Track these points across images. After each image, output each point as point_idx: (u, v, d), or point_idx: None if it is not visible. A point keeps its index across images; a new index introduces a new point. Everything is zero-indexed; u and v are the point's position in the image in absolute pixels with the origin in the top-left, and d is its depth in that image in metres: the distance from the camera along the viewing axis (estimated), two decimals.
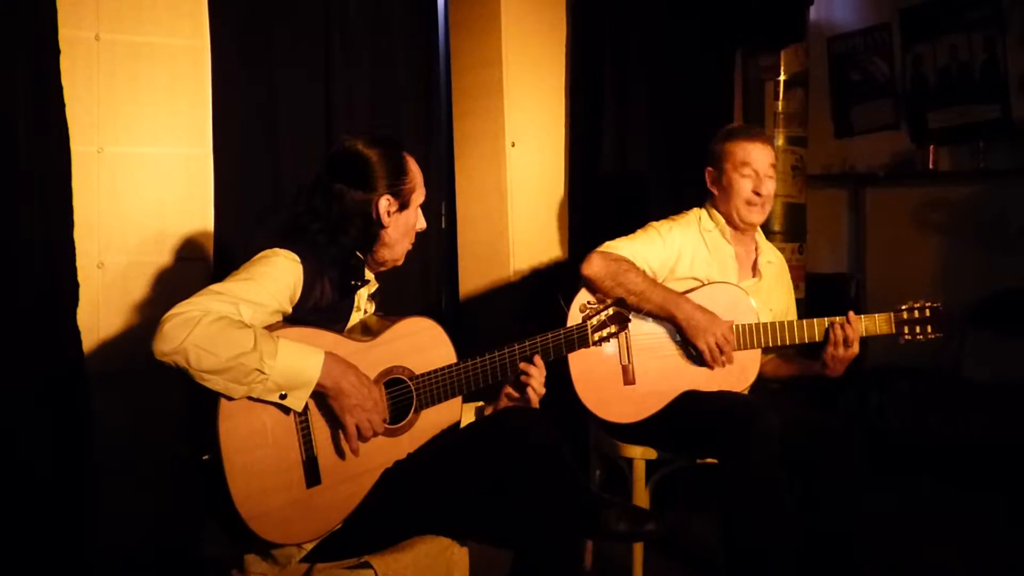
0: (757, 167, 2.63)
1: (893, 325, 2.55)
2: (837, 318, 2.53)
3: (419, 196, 2.09)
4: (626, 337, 2.53)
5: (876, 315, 2.56)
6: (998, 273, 3.96)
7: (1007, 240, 3.98)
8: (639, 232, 2.68)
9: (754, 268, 2.77)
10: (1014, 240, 3.96)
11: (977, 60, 4.06)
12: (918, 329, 2.54)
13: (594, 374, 2.54)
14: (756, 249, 2.79)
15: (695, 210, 2.78)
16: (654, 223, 2.72)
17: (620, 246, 2.59)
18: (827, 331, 2.53)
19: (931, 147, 4.16)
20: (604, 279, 2.52)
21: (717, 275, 2.66)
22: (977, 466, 3.81)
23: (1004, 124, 3.99)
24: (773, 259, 2.83)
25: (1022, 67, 3.94)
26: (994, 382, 3.94)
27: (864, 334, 2.54)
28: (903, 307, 2.55)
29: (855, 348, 2.52)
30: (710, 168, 2.72)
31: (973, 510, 3.55)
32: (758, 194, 2.63)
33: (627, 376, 2.55)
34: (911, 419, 4.15)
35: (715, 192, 2.71)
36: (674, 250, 2.64)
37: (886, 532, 3.16)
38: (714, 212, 2.74)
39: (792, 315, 2.81)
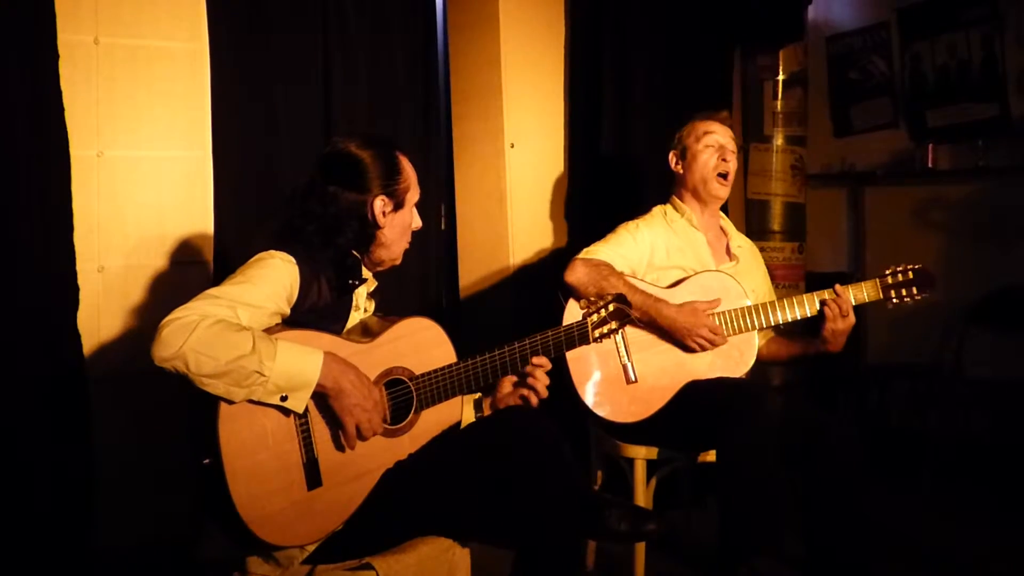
0: (718, 137, 2.72)
1: (880, 291, 2.61)
2: (826, 292, 2.59)
3: (414, 195, 2.09)
4: (623, 336, 2.54)
5: (863, 283, 2.62)
6: (997, 271, 3.96)
7: (1006, 238, 3.99)
8: (610, 236, 2.73)
9: (728, 252, 2.81)
10: (1013, 238, 3.96)
11: (975, 58, 4.06)
12: (904, 292, 2.60)
13: (595, 377, 2.56)
14: (725, 234, 2.85)
15: (657, 207, 2.83)
16: (620, 226, 2.77)
17: (599, 251, 2.64)
18: (821, 309, 2.58)
19: (930, 146, 4.16)
20: (587, 285, 2.55)
21: (694, 262, 2.71)
22: (977, 464, 3.81)
23: (1003, 122, 3.99)
24: (743, 243, 2.88)
25: (1020, 65, 3.94)
26: (994, 380, 3.94)
27: (853, 303, 2.59)
28: (887, 272, 2.61)
29: (851, 317, 2.58)
30: (673, 151, 2.79)
31: (973, 508, 3.55)
32: (724, 160, 2.71)
33: (628, 375, 2.56)
34: (911, 417, 4.15)
35: (679, 172, 2.78)
36: (646, 246, 2.69)
37: (886, 530, 3.16)
38: (678, 202, 2.80)
39: (771, 296, 2.86)
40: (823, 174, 4.55)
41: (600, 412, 2.57)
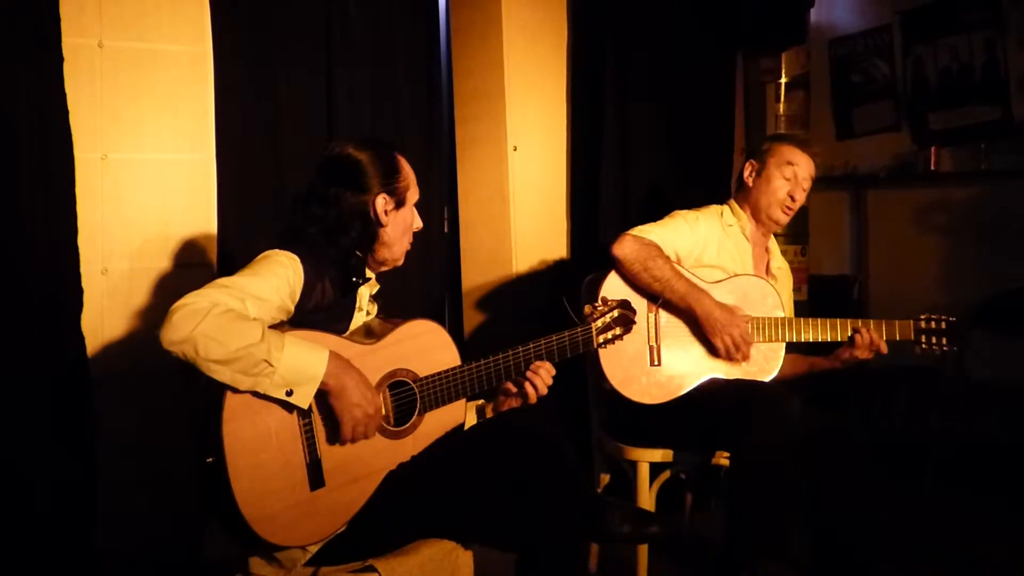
0: (798, 171, 2.70)
1: (913, 333, 2.64)
2: (860, 322, 2.61)
3: (414, 194, 2.10)
4: (655, 319, 2.57)
5: (897, 322, 2.64)
6: (1000, 274, 3.96)
7: (1009, 241, 3.98)
8: (666, 219, 2.72)
9: (768, 270, 2.82)
10: (1016, 241, 3.96)
11: (977, 61, 4.06)
12: (934, 340, 2.64)
13: (621, 351, 2.54)
14: (768, 252, 2.86)
15: (714, 206, 2.83)
16: (679, 211, 2.76)
17: (651, 231, 2.63)
18: (852, 336, 2.61)
19: (932, 148, 4.16)
20: (633, 262, 2.55)
21: (739, 268, 2.72)
22: (980, 466, 3.80)
23: (1005, 125, 3.98)
24: (782, 265, 2.90)
25: (1022, 68, 3.94)
26: (996, 382, 3.93)
27: (884, 338, 2.61)
28: (922, 317, 2.64)
29: (883, 347, 2.61)
30: (752, 160, 2.78)
31: (976, 509, 3.55)
32: (792, 198, 2.70)
33: (652, 357, 2.57)
34: (914, 420, 4.14)
35: (749, 184, 2.76)
36: (700, 238, 2.69)
37: (890, 531, 3.16)
38: (736, 208, 2.80)
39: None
40: (825, 177, 4.53)
41: (618, 387, 2.56)
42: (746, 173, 2.78)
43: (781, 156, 2.72)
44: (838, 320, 2.64)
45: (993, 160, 4.00)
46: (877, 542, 2.41)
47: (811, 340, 2.63)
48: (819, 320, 2.64)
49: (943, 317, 2.63)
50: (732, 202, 2.82)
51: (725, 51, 3.91)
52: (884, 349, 2.61)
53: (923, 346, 2.64)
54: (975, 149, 4.05)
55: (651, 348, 2.58)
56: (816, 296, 4.13)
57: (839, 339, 2.63)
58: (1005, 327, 3.93)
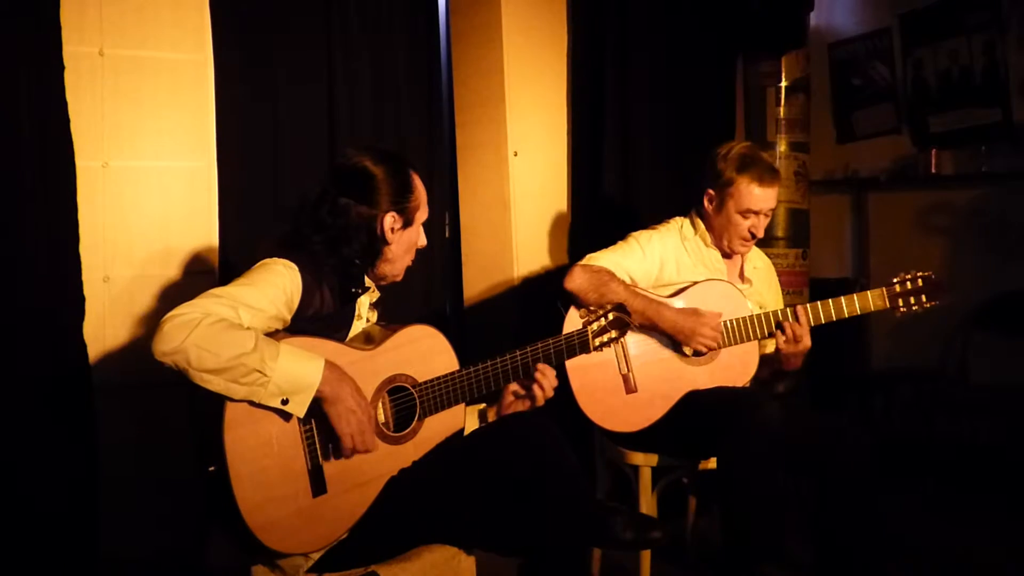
0: (761, 211, 2.61)
1: (887, 299, 2.56)
2: (790, 310, 2.53)
3: (423, 214, 2.10)
4: (623, 346, 2.54)
5: (868, 292, 2.57)
6: (1001, 276, 3.96)
7: (1010, 243, 3.98)
8: (620, 244, 2.70)
9: (741, 275, 2.78)
10: (1017, 243, 3.96)
11: (977, 64, 4.06)
12: (912, 300, 2.55)
13: (596, 386, 2.55)
14: (742, 256, 2.80)
15: (676, 219, 2.79)
16: (634, 234, 2.73)
17: (601, 258, 2.62)
18: (775, 332, 2.53)
19: (933, 151, 4.16)
20: (588, 291, 2.53)
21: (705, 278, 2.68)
22: (981, 468, 3.80)
23: (1005, 127, 3.99)
24: (759, 264, 2.85)
25: (1022, 70, 3.94)
26: (998, 385, 3.93)
27: (858, 312, 2.54)
28: (895, 279, 2.56)
29: (805, 342, 2.52)
30: (712, 191, 2.66)
31: (978, 512, 3.55)
32: (753, 233, 2.64)
33: (628, 385, 2.56)
34: (916, 422, 4.14)
35: (709, 212, 2.69)
36: (655, 260, 2.66)
37: (890, 535, 3.16)
38: (698, 221, 2.75)
39: None
40: (826, 180, 4.55)
41: (600, 422, 2.56)
42: (706, 203, 2.68)
43: (740, 201, 2.59)
44: (771, 312, 2.55)
45: (994, 162, 4.01)
46: (879, 544, 2.40)
47: (758, 337, 2.57)
48: (754, 316, 2.56)
49: (918, 274, 2.54)
50: (694, 215, 2.76)
51: (725, 55, 3.91)
52: (807, 342, 2.51)
53: (902, 309, 2.55)
54: (976, 151, 4.06)
55: (624, 376, 2.56)
56: (818, 299, 4.12)
57: (767, 333, 2.55)
58: (1006, 329, 3.93)
